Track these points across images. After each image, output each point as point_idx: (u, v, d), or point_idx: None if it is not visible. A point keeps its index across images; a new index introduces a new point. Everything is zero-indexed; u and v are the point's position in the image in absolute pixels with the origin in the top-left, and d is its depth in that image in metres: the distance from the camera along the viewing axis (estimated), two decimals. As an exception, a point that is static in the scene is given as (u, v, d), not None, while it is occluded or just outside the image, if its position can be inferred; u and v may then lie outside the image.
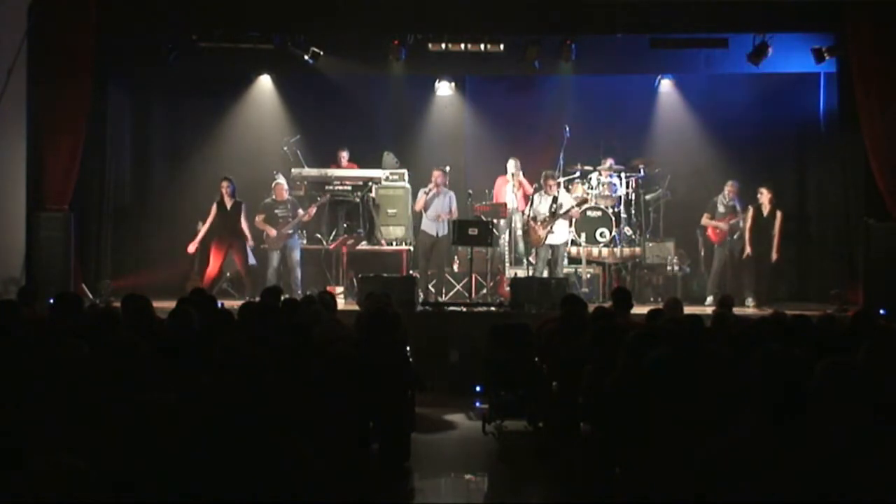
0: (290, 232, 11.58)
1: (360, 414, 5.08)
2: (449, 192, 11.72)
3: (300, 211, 11.66)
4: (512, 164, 12.18)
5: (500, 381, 7.94)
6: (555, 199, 11.22)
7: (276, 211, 11.63)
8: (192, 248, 11.56)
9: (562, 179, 11.88)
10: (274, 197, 11.69)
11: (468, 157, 13.08)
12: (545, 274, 11.16)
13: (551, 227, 11.19)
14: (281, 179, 11.81)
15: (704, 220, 11.89)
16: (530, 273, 11.54)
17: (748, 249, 11.43)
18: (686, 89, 13.07)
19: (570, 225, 11.63)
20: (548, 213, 11.22)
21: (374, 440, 5.65)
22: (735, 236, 11.59)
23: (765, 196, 11.43)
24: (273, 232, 11.50)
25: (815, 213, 12.70)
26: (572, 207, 11.30)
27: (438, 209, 11.61)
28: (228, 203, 11.37)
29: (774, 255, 11.37)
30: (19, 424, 3.32)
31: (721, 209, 11.72)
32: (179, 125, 13.15)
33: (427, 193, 11.61)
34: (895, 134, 10.62)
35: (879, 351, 4.18)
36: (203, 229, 11.48)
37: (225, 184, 11.39)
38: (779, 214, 11.41)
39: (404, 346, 6.92)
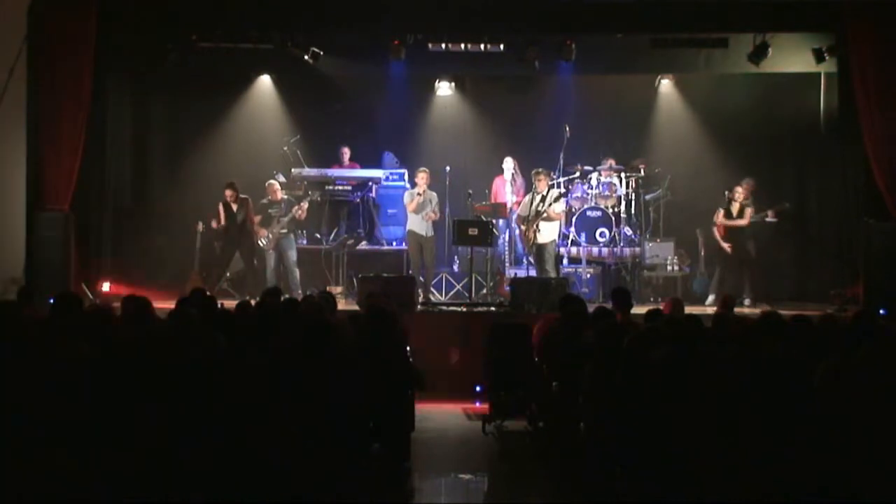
0: (284, 231, 11.61)
1: (360, 414, 5.08)
2: (431, 192, 11.66)
3: (294, 208, 11.72)
4: (509, 163, 12.17)
5: (500, 381, 7.93)
6: (543, 198, 11.11)
7: (271, 211, 11.75)
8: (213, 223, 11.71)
9: (562, 179, 11.87)
10: (269, 198, 11.77)
11: (468, 157, 13.07)
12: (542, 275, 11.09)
13: (537, 226, 11.12)
14: (274, 180, 11.89)
15: (720, 219, 11.66)
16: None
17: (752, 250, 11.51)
18: (686, 89, 13.07)
19: (570, 224, 11.61)
20: (534, 212, 11.12)
21: (374, 440, 5.65)
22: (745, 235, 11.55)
23: (740, 194, 11.42)
24: (263, 232, 11.62)
25: (815, 213, 12.69)
26: (549, 206, 11.03)
27: (425, 209, 11.55)
28: (234, 207, 11.54)
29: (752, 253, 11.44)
30: (19, 424, 3.33)
31: (737, 207, 11.63)
32: (179, 125, 13.14)
33: (420, 195, 11.50)
34: (895, 134, 10.62)
35: (879, 351, 4.18)
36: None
37: (229, 192, 11.53)
38: (748, 212, 11.46)
39: (404, 345, 6.92)
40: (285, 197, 11.81)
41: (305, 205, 11.81)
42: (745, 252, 11.52)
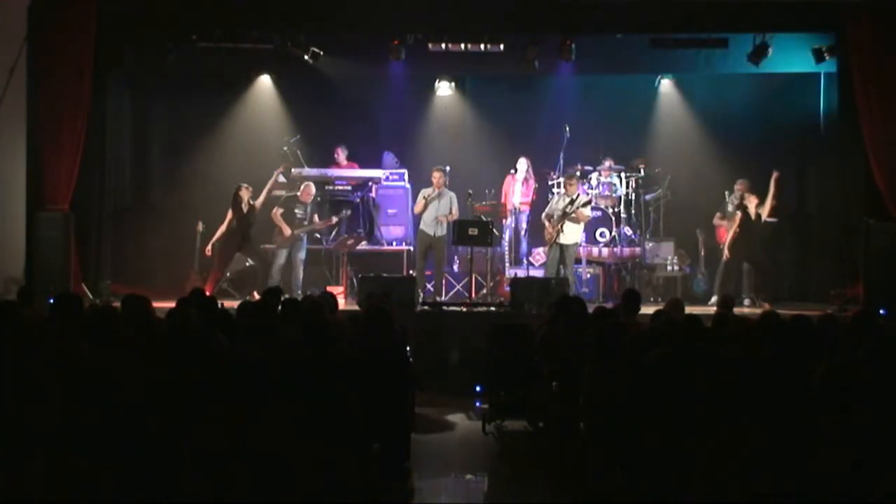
0: (303, 236, 11.64)
1: (360, 414, 5.08)
2: (449, 192, 11.70)
3: (316, 217, 11.72)
4: (523, 163, 12.18)
5: (500, 381, 7.94)
6: (572, 201, 11.21)
7: (296, 210, 11.71)
8: (208, 250, 11.58)
9: (562, 179, 11.88)
10: (299, 196, 11.74)
11: (468, 157, 13.07)
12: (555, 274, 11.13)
13: (561, 227, 11.18)
14: (311, 183, 11.88)
15: (716, 221, 11.82)
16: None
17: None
18: (686, 89, 13.07)
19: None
20: (561, 213, 11.23)
21: (374, 440, 5.64)
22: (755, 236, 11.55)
23: (752, 201, 11.43)
24: (288, 231, 11.53)
25: (815, 213, 12.69)
26: (577, 208, 11.20)
27: (438, 210, 11.59)
28: (246, 208, 11.45)
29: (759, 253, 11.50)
30: (19, 424, 3.32)
31: (731, 209, 11.65)
32: (179, 125, 13.14)
33: (426, 198, 11.58)
34: (895, 134, 10.62)
35: (879, 351, 4.18)
36: (221, 231, 11.52)
37: (247, 191, 11.44)
38: (764, 212, 11.54)
39: (404, 345, 6.92)
40: (311, 202, 11.83)
41: (334, 220, 11.84)
42: (753, 253, 11.50)
